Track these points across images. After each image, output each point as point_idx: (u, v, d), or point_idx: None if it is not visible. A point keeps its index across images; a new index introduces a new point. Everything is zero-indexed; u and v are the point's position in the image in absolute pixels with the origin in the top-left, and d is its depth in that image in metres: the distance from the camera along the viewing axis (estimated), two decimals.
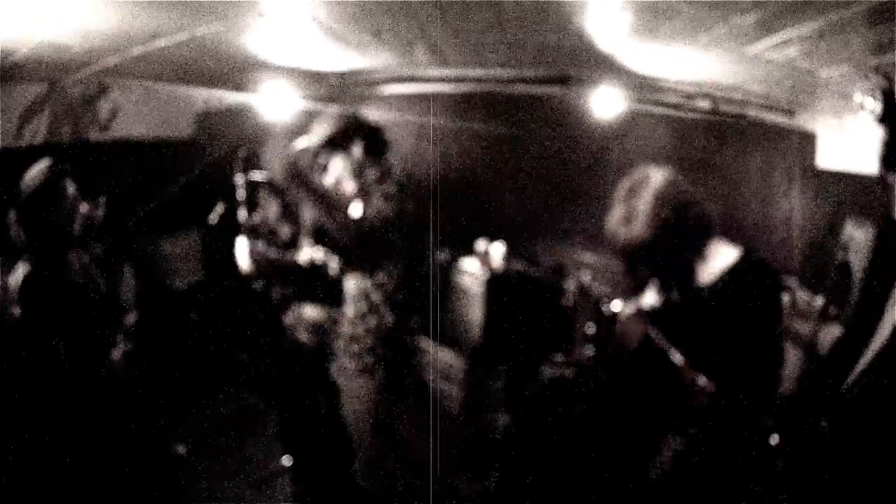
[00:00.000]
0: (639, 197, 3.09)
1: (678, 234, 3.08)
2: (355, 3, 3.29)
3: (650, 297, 3.50)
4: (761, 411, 3.29)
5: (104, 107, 5.74)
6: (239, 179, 5.31)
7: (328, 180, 4.31)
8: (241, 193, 5.37)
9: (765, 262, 3.25)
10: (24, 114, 4.97)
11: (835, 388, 2.82)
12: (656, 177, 3.14)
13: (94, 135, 5.71)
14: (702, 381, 3.11)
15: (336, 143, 4.21)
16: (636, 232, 3.07)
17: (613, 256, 3.37)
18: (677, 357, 3.16)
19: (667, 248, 3.11)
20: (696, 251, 3.20)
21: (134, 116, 6.08)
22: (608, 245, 3.28)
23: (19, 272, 3.81)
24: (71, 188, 4.04)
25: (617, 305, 3.54)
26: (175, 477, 4.85)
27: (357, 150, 4.22)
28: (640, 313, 3.40)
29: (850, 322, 3.28)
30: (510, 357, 6.67)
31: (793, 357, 4.96)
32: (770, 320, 3.19)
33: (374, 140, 4.30)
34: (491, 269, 7.04)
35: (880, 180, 2.55)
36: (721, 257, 3.23)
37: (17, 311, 3.76)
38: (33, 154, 4.06)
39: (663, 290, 3.43)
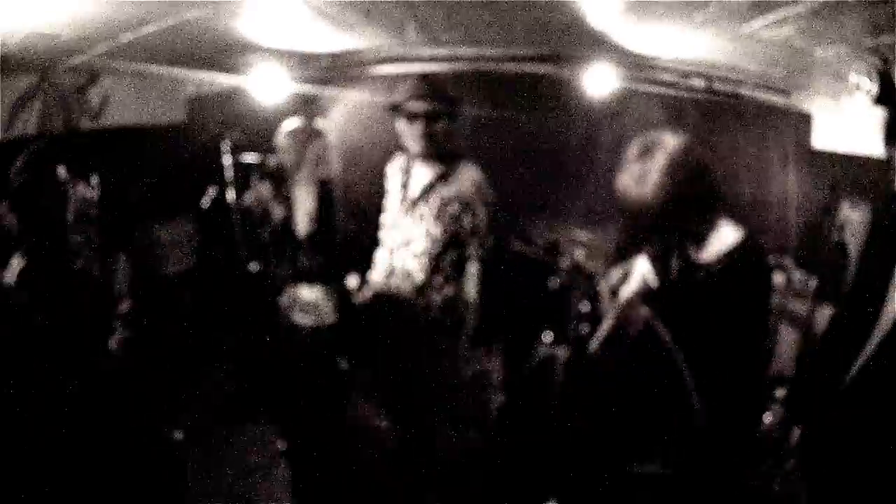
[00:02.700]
0: (653, 158, 3.02)
1: (688, 201, 3.02)
2: None
3: (647, 275, 3.42)
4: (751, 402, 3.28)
5: (95, 95, 5.70)
6: (226, 161, 5.28)
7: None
8: (229, 175, 5.35)
9: (763, 249, 3.20)
10: (15, 104, 4.94)
11: (836, 373, 2.79)
12: (672, 140, 3.07)
13: (85, 123, 5.67)
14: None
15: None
16: (647, 193, 3.00)
17: (621, 216, 3.32)
18: (679, 356, 3.10)
19: (675, 215, 3.06)
20: (703, 222, 3.15)
21: (125, 103, 6.05)
22: (616, 206, 3.20)
23: (15, 264, 3.79)
24: (63, 174, 4.02)
25: (613, 281, 3.52)
26: (172, 462, 4.83)
27: None
28: (643, 298, 3.34)
29: (846, 303, 3.24)
30: (505, 336, 6.65)
31: (789, 338, 4.94)
32: (762, 307, 3.16)
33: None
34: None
35: (887, 159, 2.52)
36: (724, 236, 3.15)
37: (15, 301, 3.74)
38: (26, 144, 4.03)
39: (663, 262, 3.36)
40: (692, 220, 3.12)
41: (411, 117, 4.27)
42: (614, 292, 3.62)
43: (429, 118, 4.27)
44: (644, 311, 3.24)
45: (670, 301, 3.26)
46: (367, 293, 4.62)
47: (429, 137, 4.28)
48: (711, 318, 3.06)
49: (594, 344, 3.54)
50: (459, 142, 4.49)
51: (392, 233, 4.58)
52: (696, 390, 3.07)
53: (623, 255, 3.65)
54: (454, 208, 4.28)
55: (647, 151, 3.06)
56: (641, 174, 3.02)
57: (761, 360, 3.30)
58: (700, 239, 3.19)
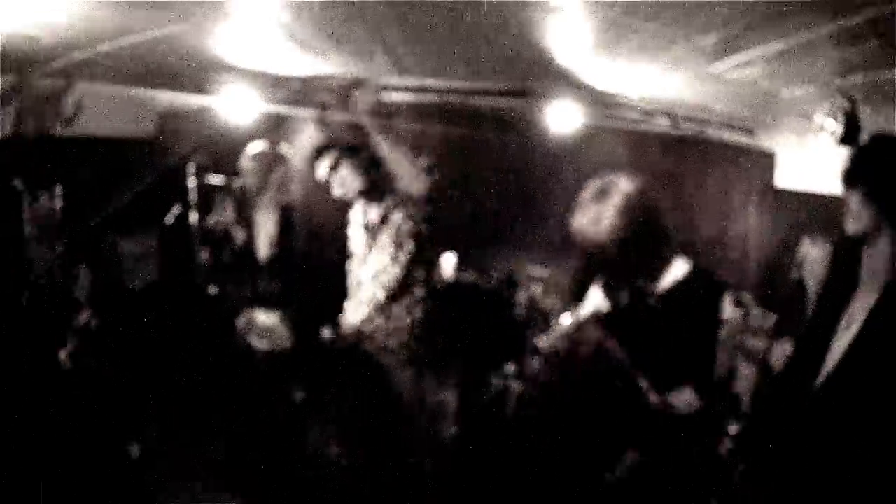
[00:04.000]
0: (608, 200, 3.20)
1: (641, 240, 3.20)
2: (318, 9, 3.27)
3: (599, 302, 3.55)
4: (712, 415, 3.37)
5: (70, 101, 5.67)
6: (191, 183, 5.28)
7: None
8: (193, 196, 5.34)
9: (710, 278, 3.40)
10: None
11: (789, 404, 2.84)
12: (625, 184, 3.25)
13: (58, 129, 5.63)
14: (654, 397, 3.17)
15: None
16: (602, 233, 3.18)
17: (575, 257, 3.46)
18: (640, 378, 3.19)
19: (628, 253, 3.22)
20: (656, 259, 3.34)
21: (98, 112, 6.01)
22: (572, 244, 3.37)
23: None
24: (19, 186, 4.00)
25: (567, 318, 3.58)
26: (127, 477, 4.79)
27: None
28: (594, 322, 3.43)
29: (799, 339, 3.33)
30: (460, 368, 6.66)
31: (745, 373, 4.98)
32: (712, 332, 3.35)
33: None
34: (442, 280, 7.01)
35: (844, 199, 2.61)
36: (675, 270, 3.35)
37: None
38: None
39: (613, 294, 3.49)
40: (645, 258, 3.30)
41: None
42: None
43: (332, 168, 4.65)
44: (595, 332, 3.36)
45: (621, 325, 3.40)
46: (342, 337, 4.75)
47: (351, 183, 4.55)
48: (660, 342, 3.22)
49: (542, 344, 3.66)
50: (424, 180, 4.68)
51: (360, 270, 4.67)
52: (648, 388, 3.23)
53: (579, 290, 3.75)
54: (407, 227, 4.52)
55: (602, 194, 3.25)
56: (597, 215, 3.20)
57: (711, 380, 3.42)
58: (653, 274, 3.37)
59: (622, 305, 3.43)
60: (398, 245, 4.50)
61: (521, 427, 4.62)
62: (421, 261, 4.58)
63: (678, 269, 3.34)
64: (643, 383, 3.17)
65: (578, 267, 3.74)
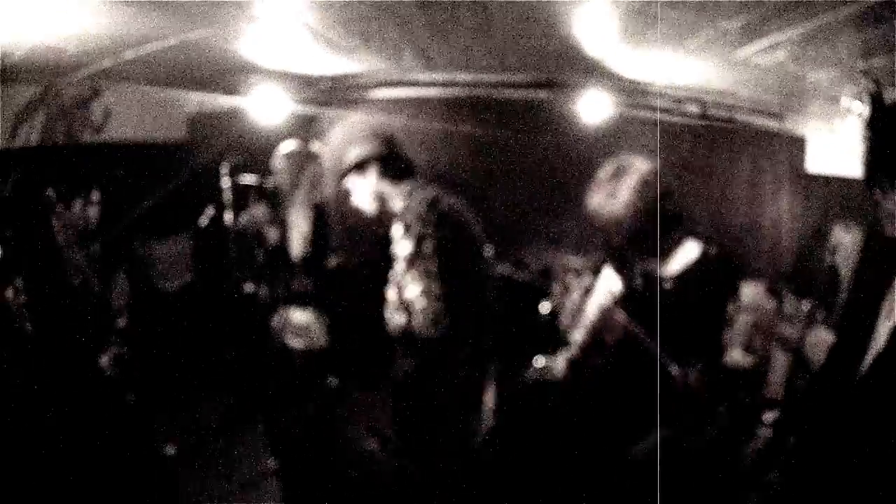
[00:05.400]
0: (624, 179, 3.26)
1: (654, 219, 3.22)
2: (344, 8, 3.29)
3: (611, 282, 3.59)
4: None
5: (97, 109, 5.72)
6: (224, 184, 5.31)
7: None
8: (227, 197, 5.37)
9: (727, 258, 3.40)
10: (19, 115, 4.95)
11: (832, 395, 2.83)
12: (642, 164, 3.30)
13: (87, 136, 5.69)
14: (676, 371, 3.18)
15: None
16: (616, 210, 3.24)
17: (592, 230, 3.47)
18: (663, 356, 3.21)
19: (641, 231, 3.26)
20: (668, 239, 3.36)
21: (127, 119, 6.07)
22: (586, 219, 3.42)
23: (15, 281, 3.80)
24: (51, 195, 4.05)
25: (589, 304, 3.62)
26: (164, 477, 4.83)
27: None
28: (617, 307, 3.45)
29: (840, 328, 3.31)
30: (497, 360, 6.67)
31: (780, 362, 4.96)
32: (721, 312, 3.39)
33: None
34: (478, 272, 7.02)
35: (867, 189, 2.51)
36: (687, 252, 3.38)
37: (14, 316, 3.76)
38: (27, 155, 4.08)
39: (627, 274, 3.53)
40: (657, 237, 3.30)
41: None
42: (580, 306, 3.75)
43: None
44: (621, 316, 3.41)
45: (639, 306, 3.42)
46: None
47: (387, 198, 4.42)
48: (674, 322, 3.23)
49: (571, 352, 3.67)
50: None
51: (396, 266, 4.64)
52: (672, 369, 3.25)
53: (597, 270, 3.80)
54: (420, 209, 4.35)
55: (618, 173, 3.30)
56: (612, 193, 3.26)
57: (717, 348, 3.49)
58: (665, 254, 3.40)
59: (636, 287, 3.46)
60: (408, 226, 4.43)
61: (553, 415, 4.61)
62: (442, 244, 4.47)
63: (690, 251, 3.37)
64: (666, 360, 3.18)
65: (602, 248, 3.76)
